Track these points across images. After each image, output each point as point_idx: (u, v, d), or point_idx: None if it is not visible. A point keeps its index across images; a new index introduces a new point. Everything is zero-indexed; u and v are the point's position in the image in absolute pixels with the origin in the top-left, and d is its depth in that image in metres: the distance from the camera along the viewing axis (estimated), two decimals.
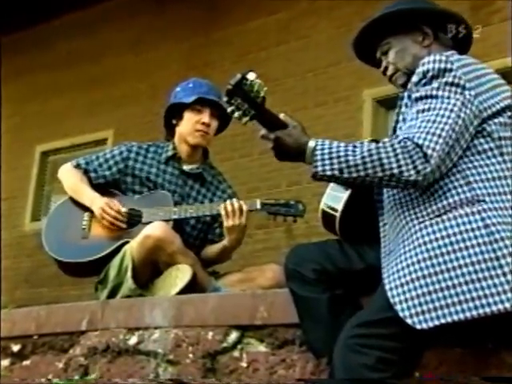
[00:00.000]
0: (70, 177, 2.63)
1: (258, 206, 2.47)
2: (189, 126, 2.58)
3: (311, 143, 1.61)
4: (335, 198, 1.80)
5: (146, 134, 4.87)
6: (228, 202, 2.43)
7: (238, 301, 2.10)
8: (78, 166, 2.64)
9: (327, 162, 1.57)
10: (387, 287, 1.54)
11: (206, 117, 2.57)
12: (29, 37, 5.81)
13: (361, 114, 4.37)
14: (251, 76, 1.58)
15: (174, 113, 2.62)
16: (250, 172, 4.61)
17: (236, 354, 2.02)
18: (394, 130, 1.73)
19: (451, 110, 1.56)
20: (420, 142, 1.53)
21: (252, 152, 4.61)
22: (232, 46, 4.97)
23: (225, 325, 2.06)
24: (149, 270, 2.43)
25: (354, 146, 1.59)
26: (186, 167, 2.64)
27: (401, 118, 1.70)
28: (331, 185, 1.82)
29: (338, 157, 1.57)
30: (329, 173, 1.57)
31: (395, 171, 1.54)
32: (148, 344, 2.17)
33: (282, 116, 1.66)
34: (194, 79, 2.66)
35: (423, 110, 1.58)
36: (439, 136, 1.53)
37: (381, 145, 1.57)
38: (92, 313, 2.34)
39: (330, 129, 4.31)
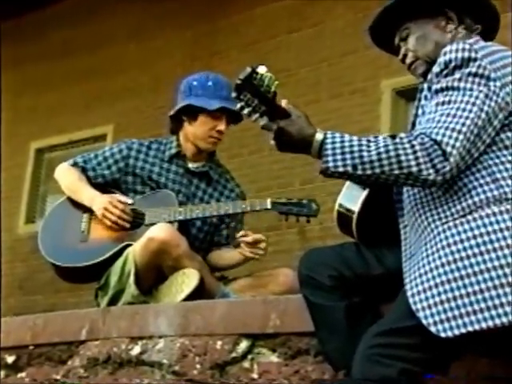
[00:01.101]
0: (67, 176, 2.65)
1: (269, 206, 2.48)
2: (203, 130, 2.59)
3: (319, 135, 1.61)
4: (352, 197, 1.80)
5: (148, 129, 4.89)
6: (250, 235, 2.43)
7: (249, 308, 2.11)
8: (75, 165, 2.66)
9: (339, 157, 1.57)
10: (409, 293, 1.54)
11: (222, 125, 2.58)
12: (20, 25, 5.84)
13: (379, 107, 4.36)
14: (262, 69, 1.58)
15: (187, 110, 2.61)
16: (259, 169, 4.62)
17: (246, 364, 2.03)
18: (413, 124, 1.73)
19: (473, 104, 1.55)
20: (438, 138, 1.53)
21: (262, 148, 4.61)
22: (239, 34, 4.98)
23: (234, 333, 2.08)
24: (153, 275, 2.45)
25: (368, 141, 1.58)
26: (191, 165, 2.66)
27: (420, 111, 1.69)
28: (347, 183, 1.82)
29: (352, 152, 1.57)
30: (341, 169, 1.57)
31: (413, 169, 1.54)
32: (152, 354, 2.18)
33: (283, 104, 1.65)
34: (213, 76, 2.62)
35: (443, 103, 1.58)
36: (459, 132, 1.53)
37: (398, 140, 1.57)
38: (92, 321, 2.36)
39: (346, 123, 4.30)
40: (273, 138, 1.65)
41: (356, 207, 1.78)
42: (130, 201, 2.53)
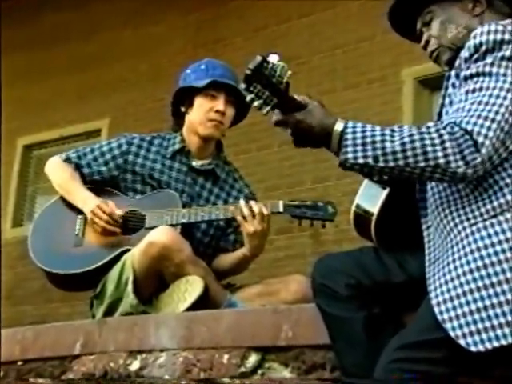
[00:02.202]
0: (59, 172, 2.66)
1: (281, 209, 2.48)
2: (200, 113, 2.60)
3: (339, 125, 1.60)
4: (370, 197, 1.80)
5: (147, 123, 4.92)
6: (245, 204, 2.44)
7: (258, 318, 2.12)
8: (68, 160, 2.67)
9: (359, 147, 1.56)
10: (434, 302, 1.54)
11: (220, 104, 2.58)
12: (5, 9, 5.85)
13: (400, 97, 4.37)
14: (273, 58, 1.59)
15: (184, 99, 2.63)
16: (269, 167, 4.63)
17: (256, 379, 2.04)
18: (440, 116, 1.72)
19: (508, 90, 1.54)
20: (469, 127, 1.52)
21: (272, 144, 4.63)
22: (246, 19, 4.99)
23: (243, 346, 2.08)
24: (153, 283, 2.45)
25: (392, 130, 1.58)
26: (195, 163, 2.66)
27: (447, 100, 1.68)
28: (365, 182, 1.82)
29: (373, 142, 1.56)
30: (361, 161, 1.56)
31: (441, 161, 1.53)
32: (153, 369, 2.19)
33: (297, 96, 1.65)
34: (206, 60, 2.68)
35: (474, 90, 1.57)
36: (492, 120, 1.52)
37: (424, 130, 1.56)
38: (87, 333, 2.36)
39: (363, 115, 4.30)
40: (290, 133, 1.64)
41: (375, 208, 1.78)
42: (118, 212, 2.53)
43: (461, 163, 1.52)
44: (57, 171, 2.67)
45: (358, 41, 4.57)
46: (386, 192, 1.78)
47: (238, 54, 4.68)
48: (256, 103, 1.60)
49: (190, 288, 2.37)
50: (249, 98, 1.60)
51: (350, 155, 1.57)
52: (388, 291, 1.77)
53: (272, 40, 4.74)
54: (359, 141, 1.57)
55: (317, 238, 4.25)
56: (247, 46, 4.80)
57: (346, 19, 4.63)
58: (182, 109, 2.65)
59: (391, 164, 1.55)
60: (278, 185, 4.51)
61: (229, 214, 2.49)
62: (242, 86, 1.59)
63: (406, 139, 1.55)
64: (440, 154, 1.53)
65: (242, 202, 2.46)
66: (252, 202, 2.46)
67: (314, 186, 4.43)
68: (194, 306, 2.34)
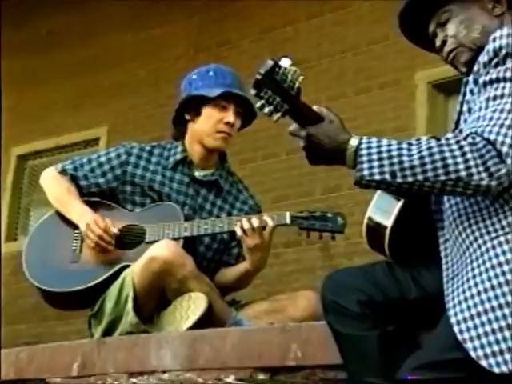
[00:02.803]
0: (54, 185, 2.67)
1: (288, 221, 2.48)
2: (209, 124, 2.60)
3: (353, 141, 1.61)
4: (383, 209, 1.80)
5: (147, 131, 4.93)
6: (244, 219, 2.46)
7: (265, 337, 2.12)
8: (63, 172, 2.68)
9: (376, 163, 1.57)
10: (453, 320, 1.53)
11: (230, 115, 2.59)
12: None
13: (413, 102, 4.37)
14: (285, 62, 1.59)
15: (189, 106, 2.64)
16: (276, 176, 4.63)
17: None
18: (457, 124, 1.72)
19: None
20: (492, 137, 1.52)
21: (278, 151, 4.63)
22: (251, 21, 5.00)
23: (249, 367, 2.08)
24: (154, 300, 2.46)
25: (409, 144, 1.58)
26: (198, 173, 2.67)
27: (465, 107, 1.68)
28: (378, 193, 1.82)
29: (390, 157, 1.56)
30: (378, 177, 1.57)
31: (462, 174, 1.53)
32: None
33: (315, 108, 1.66)
34: (214, 66, 2.68)
35: (495, 97, 1.57)
36: None
37: (443, 142, 1.56)
38: (85, 354, 2.36)
39: (375, 121, 4.31)
40: (302, 146, 1.65)
41: (389, 221, 1.78)
42: (114, 230, 2.53)
43: (484, 175, 1.52)
44: (52, 183, 2.68)
45: (369, 43, 4.57)
46: (400, 203, 1.78)
47: (242, 58, 4.69)
48: (266, 110, 1.61)
49: (194, 305, 2.37)
50: (259, 104, 1.61)
51: (365, 172, 1.57)
52: (402, 308, 1.76)
53: (279, 42, 4.75)
54: (375, 156, 1.57)
55: (326, 251, 4.25)
56: (252, 50, 4.81)
57: (357, 20, 4.64)
58: (187, 116, 2.66)
59: (410, 179, 1.56)
60: (285, 195, 4.51)
61: (233, 227, 2.49)
62: (252, 91, 1.60)
63: (425, 152, 1.55)
64: (461, 166, 1.53)
65: (243, 217, 2.48)
66: (252, 217, 2.46)
67: (324, 196, 4.43)
68: (198, 325, 2.34)
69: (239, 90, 2.58)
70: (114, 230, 2.53)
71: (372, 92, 4.49)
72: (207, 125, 2.60)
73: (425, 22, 1.83)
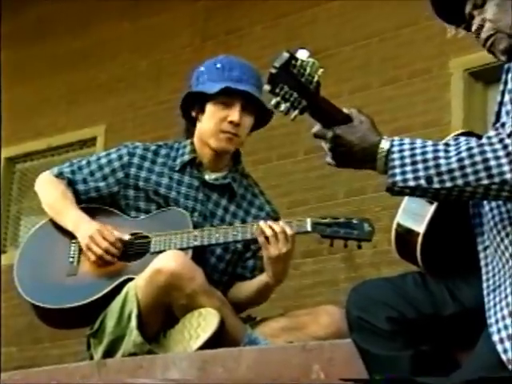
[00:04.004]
0: (49, 190, 2.69)
1: (309, 228, 2.49)
2: (211, 124, 2.61)
3: (384, 143, 1.63)
4: (415, 214, 1.81)
5: (149, 130, 4.95)
6: (265, 223, 2.46)
7: (284, 356, 2.13)
8: (60, 175, 2.70)
9: (409, 168, 1.58)
10: (496, 338, 1.54)
11: (234, 113, 2.58)
12: None
13: (447, 93, 4.36)
14: (302, 54, 1.61)
15: (194, 102, 2.65)
16: (293, 178, 4.64)
17: None
18: (498, 116, 1.72)
19: None
20: None
21: (296, 151, 4.63)
22: (264, 5, 5.01)
23: None
24: (160, 318, 2.47)
25: (446, 145, 1.59)
26: (208, 176, 2.68)
27: (507, 97, 1.68)
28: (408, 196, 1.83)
29: (425, 160, 1.57)
30: (412, 183, 1.58)
31: (508, 177, 1.54)
32: None
33: (345, 110, 1.68)
34: (222, 57, 2.69)
35: None
36: None
37: (485, 141, 1.57)
38: (84, 377, 2.38)
39: (404, 116, 4.31)
40: (328, 149, 1.67)
41: (420, 227, 1.79)
42: (126, 237, 2.57)
43: None
44: (47, 189, 2.70)
45: (396, 27, 4.56)
46: (433, 207, 1.79)
47: (254, 47, 4.70)
48: (282, 107, 1.62)
49: (204, 322, 2.39)
50: (274, 101, 1.62)
51: (398, 178, 1.59)
52: (438, 325, 1.77)
53: (295, 29, 4.76)
54: (408, 160, 1.58)
55: (351, 262, 4.25)
56: (266, 37, 4.82)
57: (383, 3, 4.63)
58: (193, 114, 2.68)
59: (448, 184, 1.57)
60: (304, 199, 4.51)
61: (248, 236, 2.50)
62: (267, 87, 1.61)
63: (464, 154, 1.56)
64: (506, 167, 1.54)
65: (261, 222, 2.48)
66: (273, 221, 2.47)
67: (347, 200, 4.43)
68: (209, 344, 2.35)
69: (248, 84, 2.57)
70: (125, 238, 2.55)
71: (400, 82, 4.49)
72: (210, 124, 2.61)
73: (460, 1, 1.83)
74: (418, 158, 1.58)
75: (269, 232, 2.44)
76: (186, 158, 2.68)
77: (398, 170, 1.59)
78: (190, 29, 5.25)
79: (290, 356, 2.11)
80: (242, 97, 2.58)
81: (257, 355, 2.19)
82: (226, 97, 2.58)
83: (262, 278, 2.55)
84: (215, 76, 2.61)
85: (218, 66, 2.63)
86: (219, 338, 2.37)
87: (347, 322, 1.83)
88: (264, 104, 2.55)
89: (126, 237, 2.57)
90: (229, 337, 2.43)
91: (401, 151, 1.60)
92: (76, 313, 2.56)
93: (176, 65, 5.04)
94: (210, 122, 2.61)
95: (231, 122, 2.58)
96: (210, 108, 2.61)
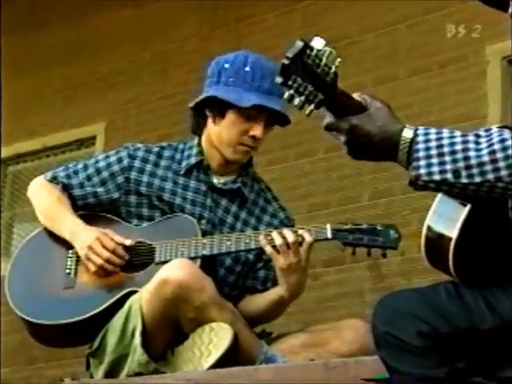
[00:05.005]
0: (43, 196, 2.71)
1: (329, 235, 2.50)
2: (232, 134, 2.62)
3: (407, 132, 1.62)
4: (447, 217, 1.80)
5: (153, 128, 4.96)
6: (275, 232, 2.46)
7: (304, 375, 2.13)
8: (54, 180, 2.72)
9: (435, 160, 1.57)
10: None
11: (258, 128, 2.60)
12: None
13: (483, 84, 4.34)
14: (318, 43, 1.61)
15: (212, 102, 2.64)
16: (312, 179, 4.63)
17: None
18: None
19: None
20: None
21: (315, 149, 4.63)
22: None
23: None
24: (167, 333, 2.48)
25: (477, 136, 1.59)
26: (217, 180, 2.69)
27: None
28: (440, 196, 1.83)
29: (453, 152, 1.57)
30: (437, 177, 1.58)
31: None
32: None
33: (356, 96, 1.68)
34: (253, 59, 2.63)
35: None
36: None
37: None
38: None
39: (435, 109, 4.30)
40: (344, 141, 1.66)
41: (453, 231, 1.78)
42: (128, 242, 2.57)
43: None
44: (40, 195, 2.72)
45: (425, 11, 4.55)
46: (467, 209, 1.78)
47: (267, 36, 4.70)
48: (296, 101, 1.62)
49: (216, 338, 2.39)
50: (287, 94, 1.62)
51: (422, 170, 1.59)
52: (474, 340, 1.76)
53: (312, 15, 4.76)
54: (434, 151, 1.58)
55: (377, 271, 4.24)
56: (279, 25, 4.82)
57: None
58: (208, 113, 2.67)
59: (478, 179, 1.57)
60: (324, 202, 4.51)
61: (260, 245, 2.50)
62: (278, 79, 1.61)
63: (496, 146, 1.56)
64: None
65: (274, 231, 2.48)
66: (285, 230, 2.47)
67: (372, 203, 4.42)
68: (222, 362, 2.35)
69: (276, 97, 2.55)
70: (128, 243, 2.56)
71: (430, 72, 4.48)
72: (229, 134, 2.62)
73: None
74: (446, 149, 1.58)
75: (279, 240, 2.44)
76: (193, 160, 2.69)
77: (422, 162, 1.59)
78: (198, 16, 5.26)
79: (311, 375, 2.11)
80: (270, 113, 2.59)
81: (274, 374, 2.19)
82: (253, 110, 2.58)
83: (275, 291, 2.55)
84: (243, 83, 2.59)
85: (247, 69, 2.61)
86: (233, 356, 2.38)
87: (373, 338, 1.82)
88: (288, 119, 2.60)
89: (128, 242, 2.58)
90: (243, 354, 2.43)
91: (426, 141, 1.60)
92: (74, 329, 2.57)
93: (182, 56, 5.05)
94: (231, 132, 2.62)
95: (253, 137, 2.60)
96: (231, 117, 2.61)
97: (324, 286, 4.36)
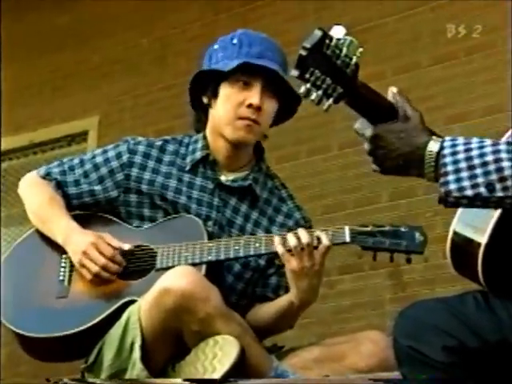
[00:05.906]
0: (34, 194, 2.72)
1: (347, 238, 2.50)
2: (227, 108, 2.62)
3: (433, 145, 1.63)
4: (474, 221, 1.81)
5: (151, 121, 4.97)
6: (290, 233, 2.47)
7: None
8: (47, 176, 2.73)
9: (465, 173, 1.58)
10: None
11: (255, 95, 2.59)
12: None
13: None
14: (338, 32, 1.62)
15: (206, 86, 2.66)
16: (326, 178, 4.64)
17: None
18: None
19: None
20: None
21: (329, 145, 4.64)
22: None
23: None
24: (169, 347, 2.49)
25: (509, 144, 1.59)
26: (224, 177, 2.70)
27: None
28: None
29: (484, 163, 1.58)
30: (469, 192, 1.59)
31: None
32: None
33: (390, 94, 1.69)
34: (240, 32, 2.69)
35: None
36: None
37: None
38: None
39: (460, 100, 4.31)
40: (367, 151, 1.69)
41: (482, 237, 1.79)
42: (126, 247, 2.59)
43: None
44: (32, 193, 2.73)
45: None
46: (497, 212, 1.78)
47: (277, 21, 4.71)
48: (313, 96, 1.63)
49: (221, 353, 2.40)
50: (303, 89, 1.63)
51: (452, 186, 1.60)
52: (505, 355, 1.77)
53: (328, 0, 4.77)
54: (463, 164, 1.59)
55: (398, 279, 4.25)
56: (290, 9, 4.83)
57: None
58: (204, 100, 2.69)
59: None
60: (340, 203, 4.52)
61: (273, 248, 2.50)
62: (295, 72, 1.62)
63: None
64: None
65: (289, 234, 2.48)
66: (300, 230, 2.47)
67: (392, 203, 4.43)
68: (228, 378, 2.35)
69: (271, 61, 2.58)
70: (126, 247, 2.57)
71: (455, 60, 4.48)
72: (225, 109, 2.62)
73: None
74: (476, 161, 1.59)
75: (293, 242, 2.45)
76: (198, 155, 2.69)
77: (451, 177, 1.60)
78: (200, 1, 5.27)
79: None
80: (264, 75, 2.59)
81: None
82: (244, 75, 2.59)
83: (285, 298, 2.56)
84: (231, 53, 2.62)
85: (235, 41, 2.65)
86: (240, 372, 2.38)
87: (395, 352, 1.83)
88: (290, 85, 2.56)
89: (127, 247, 2.59)
90: (251, 370, 2.44)
91: (454, 154, 1.61)
92: (68, 343, 2.57)
93: (183, 43, 5.06)
94: (226, 106, 2.62)
95: (250, 106, 2.59)
96: (224, 90, 2.62)
97: (340, 295, 4.36)
